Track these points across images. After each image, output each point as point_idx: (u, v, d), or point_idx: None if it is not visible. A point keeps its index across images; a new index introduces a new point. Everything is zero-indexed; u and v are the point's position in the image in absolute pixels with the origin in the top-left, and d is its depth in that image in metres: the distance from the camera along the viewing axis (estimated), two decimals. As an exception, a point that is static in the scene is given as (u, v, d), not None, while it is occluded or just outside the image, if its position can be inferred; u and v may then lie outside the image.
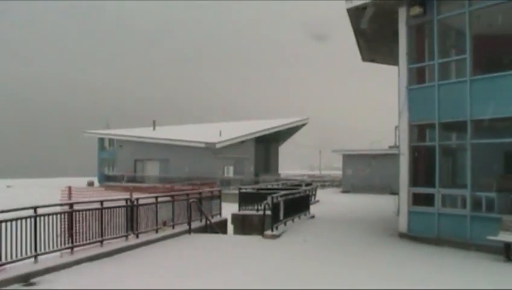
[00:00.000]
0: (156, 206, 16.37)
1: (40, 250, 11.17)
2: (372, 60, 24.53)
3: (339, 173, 66.25)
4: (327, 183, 66.60)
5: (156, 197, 16.64)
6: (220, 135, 56.76)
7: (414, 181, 16.61)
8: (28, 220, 10.81)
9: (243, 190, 24.60)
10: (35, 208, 11.03)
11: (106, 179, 65.40)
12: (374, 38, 20.64)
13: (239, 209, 22.83)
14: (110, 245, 13.56)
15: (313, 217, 23.53)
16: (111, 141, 72.76)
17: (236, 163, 58.24)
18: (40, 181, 74.46)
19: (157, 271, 11.47)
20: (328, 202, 35.05)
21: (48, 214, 11.42)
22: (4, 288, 9.61)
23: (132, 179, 60.37)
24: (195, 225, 18.49)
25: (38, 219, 11.06)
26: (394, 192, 31.72)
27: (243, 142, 57.74)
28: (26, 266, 10.65)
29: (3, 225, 10.12)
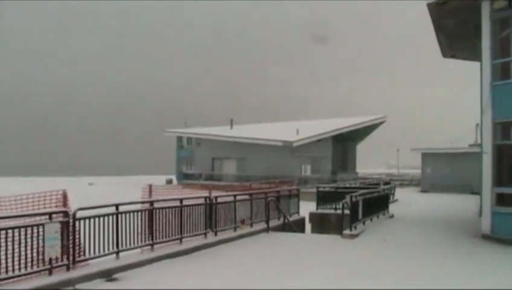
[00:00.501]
0: (235, 205, 16.24)
1: (122, 247, 11.24)
2: (453, 56, 23.47)
3: (418, 171, 64.32)
4: (405, 182, 64.83)
5: (235, 196, 16.52)
6: (297, 133, 56.35)
7: (498, 181, 15.66)
8: (110, 217, 10.89)
9: (321, 189, 24.13)
10: (117, 206, 11.11)
11: (184, 177, 66.34)
12: (455, 34, 19.70)
13: (317, 208, 22.39)
14: (189, 243, 13.52)
15: (391, 216, 22.82)
16: (189, 139, 73.69)
17: (313, 161, 57.64)
18: (121, 179, 76.71)
19: (235, 270, 11.29)
20: (407, 202, 34.03)
21: (129, 212, 11.49)
22: (87, 282, 9.72)
23: (210, 177, 60.94)
24: (273, 223, 18.27)
25: (120, 216, 11.13)
26: (475, 192, 30.37)
27: (320, 140, 57.05)
28: (108, 262, 10.74)
29: (86, 221, 10.25)
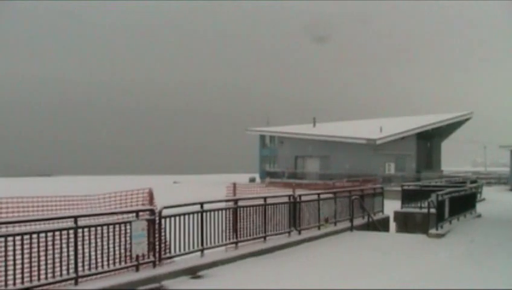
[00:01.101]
0: (318, 203, 15.86)
1: (206, 245, 11.14)
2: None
3: (506, 169, 61.26)
4: (493, 180, 61.95)
5: (318, 194, 16.14)
6: (381, 131, 55.07)
7: None
8: (195, 215, 10.82)
9: (406, 187, 23.32)
10: (202, 204, 11.03)
11: (267, 176, 66.30)
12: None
13: (401, 207, 21.62)
14: (272, 241, 13.28)
15: (479, 216, 21.74)
16: (272, 138, 73.57)
17: (397, 159, 56.12)
18: (204, 177, 77.51)
19: (319, 270, 10.95)
20: (495, 201, 32.40)
21: (214, 210, 11.38)
22: (173, 279, 9.68)
23: (293, 176, 60.59)
24: (357, 222, 17.75)
25: (204, 214, 11.04)
26: None
27: (404, 138, 55.47)
28: (193, 260, 10.67)
29: (172, 219, 10.22)
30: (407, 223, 20.55)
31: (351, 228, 17.00)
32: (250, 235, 12.63)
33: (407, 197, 21.97)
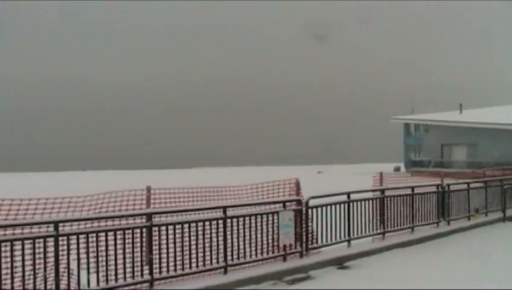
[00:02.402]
0: (468, 193, 14.46)
1: (353, 235, 10.45)
2: None
3: None
4: None
5: (468, 183, 14.74)
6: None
7: None
8: (342, 205, 10.18)
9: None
10: (348, 194, 10.36)
11: (412, 165, 62.55)
12: None
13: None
14: (420, 232, 12.25)
15: None
16: (417, 126, 69.78)
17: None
18: (348, 167, 75.43)
19: (470, 262, 9.80)
20: None
21: (360, 200, 10.66)
22: (320, 269, 9.17)
23: (439, 164, 56.80)
24: (510, 212, 16.02)
25: (351, 204, 10.36)
26: None
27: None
28: (339, 250, 10.06)
29: (318, 209, 9.69)
30: None
31: (504, 219, 15.39)
32: (397, 225, 11.70)
33: None
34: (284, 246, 8.98)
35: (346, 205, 10.26)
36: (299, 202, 9.30)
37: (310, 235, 9.54)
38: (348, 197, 10.34)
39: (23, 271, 6.24)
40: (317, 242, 9.75)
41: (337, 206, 10.06)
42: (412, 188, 12.22)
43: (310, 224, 9.53)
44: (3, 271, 6.09)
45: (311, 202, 9.52)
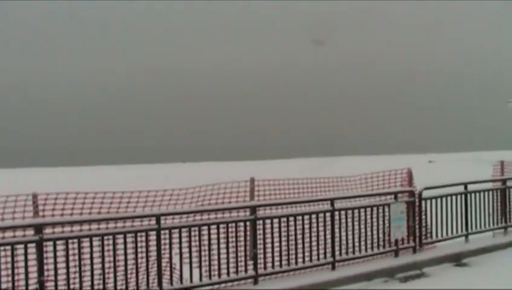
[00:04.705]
0: None
1: (471, 229, 9.05)
2: None
3: None
4: None
5: None
6: None
7: None
8: (458, 197, 8.84)
9: None
10: (465, 185, 8.98)
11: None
12: None
13: None
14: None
15: None
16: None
17: None
18: (462, 155, 68.87)
19: None
20: None
21: (479, 191, 9.22)
22: (435, 266, 8.03)
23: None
24: None
25: (468, 195, 8.99)
26: None
27: None
28: (456, 245, 8.76)
29: (433, 201, 8.47)
30: None
31: None
32: (521, 218, 10.09)
33: None
34: (396, 240, 7.88)
35: (463, 196, 8.89)
36: (411, 193, 8.12)
37: (423, 229, 8.34)
38: (465, 187, 8.97)
39: (126, 265, 5.74)
40: (431, 237, 8.50)
41: (453, 197, 8.73)
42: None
43: (423, 217, 8.34)
44: (106, 265, 5.63)
45: (425, 193, 8.31)
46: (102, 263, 5.59)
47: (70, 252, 5.41)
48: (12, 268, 5.13)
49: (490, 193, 9.46)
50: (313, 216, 7.16)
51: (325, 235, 7.23)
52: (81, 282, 5.43)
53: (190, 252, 6.20)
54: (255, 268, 6.59)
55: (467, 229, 8.97)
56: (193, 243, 6.27)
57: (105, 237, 5.67)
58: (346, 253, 7.48)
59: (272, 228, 6.82)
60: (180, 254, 6.13)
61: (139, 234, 5.92)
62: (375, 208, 7.74)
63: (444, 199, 8.59)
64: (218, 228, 6.44)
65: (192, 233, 6.28)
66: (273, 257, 6.79)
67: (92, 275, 5.49)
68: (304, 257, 7.06)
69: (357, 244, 7.57)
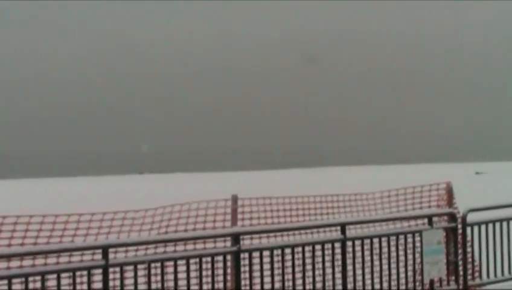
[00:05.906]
0: None
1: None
2: None
3: None
4: None
5: None
6: None
7: None
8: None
9: None
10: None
11: None
12: None
13: None
14: None
15: None
16: None
17: None
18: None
19: None
20: None
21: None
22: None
23: None
24: None
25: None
26: None
27: None
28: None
29: (482, 228, 6.66)
30: None
31: None
32: None
33: None
34: (431, 281, 6.15)
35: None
36: (452, 216, 6.38)
37: (469, 265, 6.57)
38: (527, 209, 7.05)
39: None
40: (480, 277, 6.63)
41: (511, 222, 6.84)
42: None
43: (468, 249, 6.57)
44: None
45: (471, 217, 6.49)
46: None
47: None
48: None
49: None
50: (317, 247, 5.67)
51: (333, 272, 5.71)
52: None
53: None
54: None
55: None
56: (153, 285, 4.87)
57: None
58: (364, 294, 5.86)
59: (262, 263, 5.40)
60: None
61: (77, 273, 4.46)
62: (401, 237, 6.11)
63: (497, 225, 6.72)
64: (188, 263, 5.01)
65: (153, 270, 4.88)
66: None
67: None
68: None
69: (377, 284, 5.90)
